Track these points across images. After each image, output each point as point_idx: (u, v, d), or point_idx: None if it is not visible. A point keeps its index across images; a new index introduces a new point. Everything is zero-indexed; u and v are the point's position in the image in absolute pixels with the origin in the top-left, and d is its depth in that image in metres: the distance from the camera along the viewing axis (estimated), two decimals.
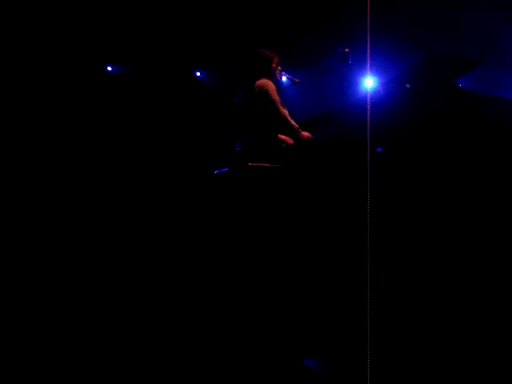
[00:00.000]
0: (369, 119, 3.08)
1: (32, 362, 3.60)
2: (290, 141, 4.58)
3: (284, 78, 4.87)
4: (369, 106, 3.26)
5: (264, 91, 4.46)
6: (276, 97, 4.46)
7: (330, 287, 4.20)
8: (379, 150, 4.33)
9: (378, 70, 4.52)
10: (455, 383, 3.28)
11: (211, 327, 4.15)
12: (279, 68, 4.68)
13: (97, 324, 4.27)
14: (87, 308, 4.61)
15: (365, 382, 2.73)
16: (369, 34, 2.95)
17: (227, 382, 3.43)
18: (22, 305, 4.60)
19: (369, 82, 4.51)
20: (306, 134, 4.54)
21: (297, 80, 4.85)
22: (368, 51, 3.04)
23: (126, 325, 4.30)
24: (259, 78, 4.54)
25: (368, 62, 3.26)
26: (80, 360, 3.64)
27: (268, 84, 4.49)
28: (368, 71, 4.28)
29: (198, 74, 8.11)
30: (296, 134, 4.51)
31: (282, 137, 4.60)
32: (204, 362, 3.64)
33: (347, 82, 4.62)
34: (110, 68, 7.77)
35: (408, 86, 4.41)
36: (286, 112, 4.47)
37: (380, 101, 4.33)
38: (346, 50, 4.38)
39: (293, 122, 4.48)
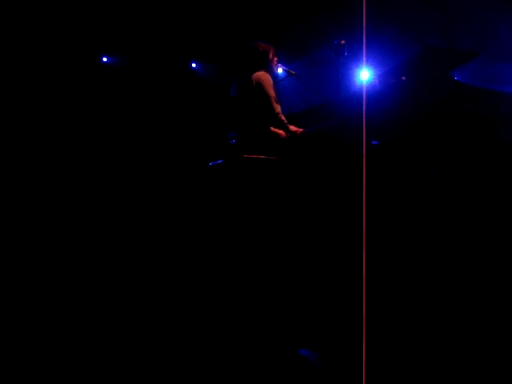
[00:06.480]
0: (364, 111, 3.08)
1: (32, 362, 3.59)
2: (283, 133, 4.61)
3: (280, 70, 4.88)
4: (364, 99, 3.26)
5: (260, 84, 4.48)
6: (271, 92, 4.50)
7: (326, 278, 4.21)
8: (374, 142, 4.33)
9: (373, 62, 4.52)
10: (450, 380, 3.30)
11: (205, 317, 4.16)
12: (275, 59, 4.71)
13: (97, 326, 4.26)
14: (86, 310, 4.59)
15: (361, 372, 2.74)
16: (365, 26, 2.95)
17: (220, 372, 3.44)
18: (22, 306, 4.57)
19: (365, 74, 4.51)
20: (293, 128, 4.59)
21: (293, 72, 4.88)
22: (364, 43, 3.04)
23: (124, 322, 4.30)
24: (256, 71, 4.57)
25: (364, 54, 3.26)
26: (80, 361, 3.63)
27: (265, 77, 4.53)
28: (364, 63, 4.28)
29: (194, 65, 8.10)
30: (286, 130, 4.58)
31: (275, 130, 4.62)
32: (197, 352, 3.64)
33: (343, 74, 4.62)
34: (105, 59, 7.74)
35: (404, 78, 4.41)
36: (278, 108, 4.53)
37: (376, 93, 4.32)
38: (342, 41, 4.38)
39: (283, 118, 4.55)
